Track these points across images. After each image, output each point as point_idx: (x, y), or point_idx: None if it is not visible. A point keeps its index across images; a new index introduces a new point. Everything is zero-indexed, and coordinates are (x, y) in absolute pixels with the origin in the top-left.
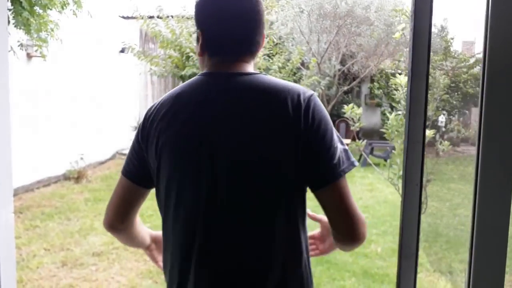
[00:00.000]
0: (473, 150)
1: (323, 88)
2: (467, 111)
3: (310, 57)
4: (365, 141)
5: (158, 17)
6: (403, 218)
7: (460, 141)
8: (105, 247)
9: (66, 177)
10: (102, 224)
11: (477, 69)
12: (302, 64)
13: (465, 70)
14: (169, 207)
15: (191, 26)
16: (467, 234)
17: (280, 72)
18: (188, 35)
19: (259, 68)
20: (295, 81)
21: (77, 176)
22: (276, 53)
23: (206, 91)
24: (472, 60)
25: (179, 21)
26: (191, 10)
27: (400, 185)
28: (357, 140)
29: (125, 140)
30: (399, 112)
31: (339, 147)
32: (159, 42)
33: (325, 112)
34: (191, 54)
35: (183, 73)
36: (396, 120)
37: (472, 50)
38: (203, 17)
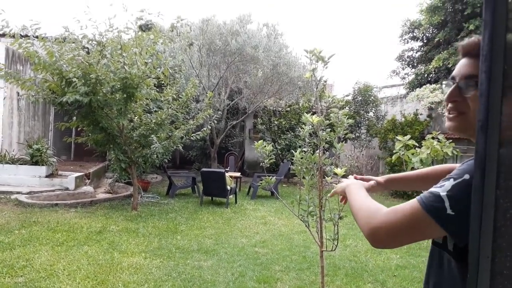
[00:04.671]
0: None
1: (215, 121)
2: None
3: (200, 91)
4: (274, 177)
5: (34, 36)
6: None
7: None
8: None
9: None
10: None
11: None
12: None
13: None
14: None
15: (75, 49)
16: None
17: (173, 104)
18: (70, 59)
19: (146, 99)
20: (187, 113)
21: None
22: (167, 84)
23: None
24: None
25: (59, 43)
26: (76, 31)
27: (310, 221)
28: (267, 177)
29: None
30: (304, 149)
31: (432, 189)
32: (34, 64)
33: (462, 167)
34: (74, 79)
35: (64, 99)
36: (304, 156)
37: None
38: None
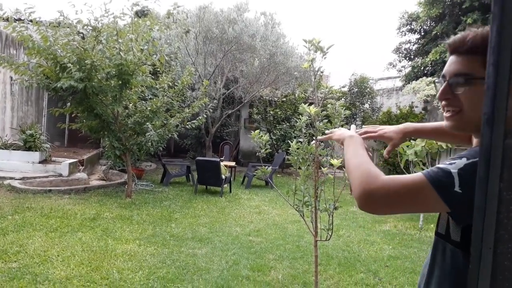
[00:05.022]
0: None
1: (211, 110)
2: None
3: (195, 79)
4: (270, 167)
5: (28, 20)
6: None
7: None
8: None
9: None
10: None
11: None
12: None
13: None
14: None
15: (70, 34)
16: None
17: (169, 92)
18: (65, 44)
19: (142, 86)
20: (182, 101)
21: None
22: (163, 72)
23: None
24: None
25: (53, 28)
26: (71, 16)
27: (305, 211)
28: (263, 167)
29: None
30: (300, 139)
31: (441, 165)
32: (28, 49)
33: (475, 148)
34: (69, 65)
35: (58, 85)
36: (300, 147)
37: None
38: None
